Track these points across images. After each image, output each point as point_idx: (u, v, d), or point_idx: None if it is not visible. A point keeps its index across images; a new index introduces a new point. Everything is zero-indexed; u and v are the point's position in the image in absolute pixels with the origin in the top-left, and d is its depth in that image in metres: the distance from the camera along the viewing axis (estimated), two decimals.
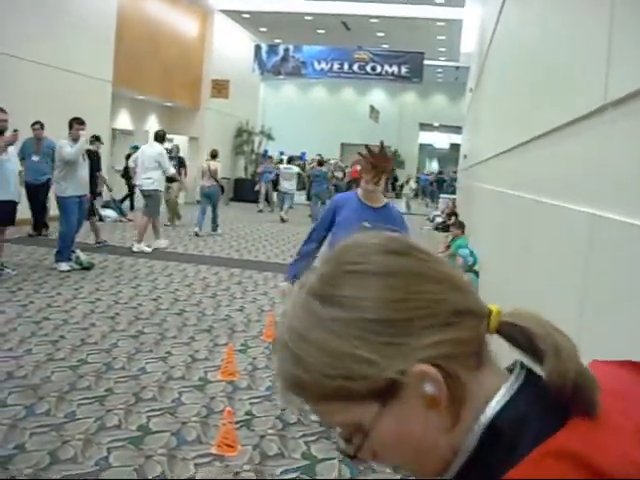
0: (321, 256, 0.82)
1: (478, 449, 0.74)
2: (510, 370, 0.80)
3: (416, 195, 32.89)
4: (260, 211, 21.15)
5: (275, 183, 21.55)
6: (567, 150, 3.05)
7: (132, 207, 17.15)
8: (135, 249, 11.37)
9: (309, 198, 21.71)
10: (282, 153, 28.09)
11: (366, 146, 4.60)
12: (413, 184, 29.61)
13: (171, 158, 14.27)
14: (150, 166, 11.46)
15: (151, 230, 11.75)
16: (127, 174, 15.85)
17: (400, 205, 27.56)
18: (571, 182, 2.93)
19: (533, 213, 3.98)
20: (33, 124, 10.93)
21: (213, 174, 14.55)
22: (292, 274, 4.54)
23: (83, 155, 9.21)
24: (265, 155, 24.00)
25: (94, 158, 11.22)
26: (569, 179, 2.99)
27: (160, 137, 12.14)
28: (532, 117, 4.28)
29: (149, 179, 11.51)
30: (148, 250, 11.47)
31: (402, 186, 30.66)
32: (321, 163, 21.12)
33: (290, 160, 22.93)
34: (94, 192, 11.27)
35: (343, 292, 0.75)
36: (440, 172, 37.86)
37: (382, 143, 4.63)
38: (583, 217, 2.47)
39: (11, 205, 8.35)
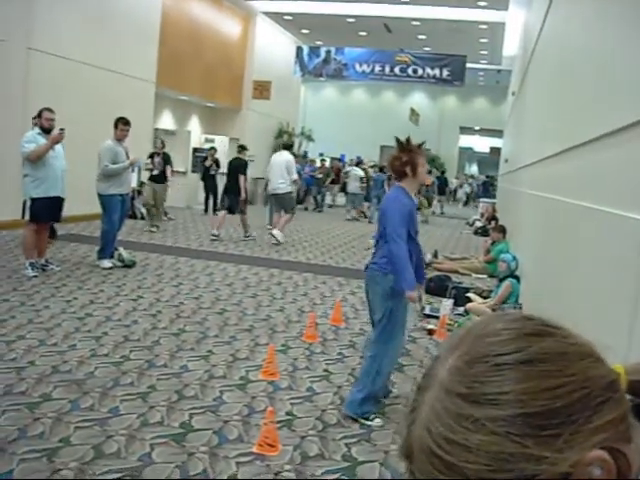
0: (444, 346, 0.77)
1: None
2: None
3: (468, 199, 32.68)
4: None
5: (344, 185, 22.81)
6: (619, 156, 3.01)
7: (214, 209, 17.04)
8: (274, 232, 13.33)
9: (367, 199, 21.92)
10: (322, 154, 28.12)
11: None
12: (467, 188, 29.32)
13: (156, 154, 14.11)
14: (282, 172, 13.37)
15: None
16: (206, 176, 17.46)
17: (455, 209, 27.46)
18: (623, 188, 2.89)
19: (580, 219, 3.93)
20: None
21: None
22: (413, 282, 4.56)
23: (127, 154, 9.33)
24: (305, 157, 24.03)
25: (239, 165, 13.48)
26: (620, 185, 2.95)
27: (288, 147, 14.38)
28: (581, 122, 4.24)
29: (283, 183, 13.42)
30: (282, 240, 13.34)
31: (456, 190, 30.32)
32: (382, 169, 21.88)
33: (358, 163, 23.50)
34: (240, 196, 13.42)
35: (494, 389, 0.69)
36: (488, 176, 37.53)
37: (396, 138, 4.84)
38: (636, 224, 2.43)
39: (58, 201, 8.50)
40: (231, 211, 13.41)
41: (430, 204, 24.23)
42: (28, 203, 8.32)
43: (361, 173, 21.84)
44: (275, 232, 13.35)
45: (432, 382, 0.73)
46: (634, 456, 0.71)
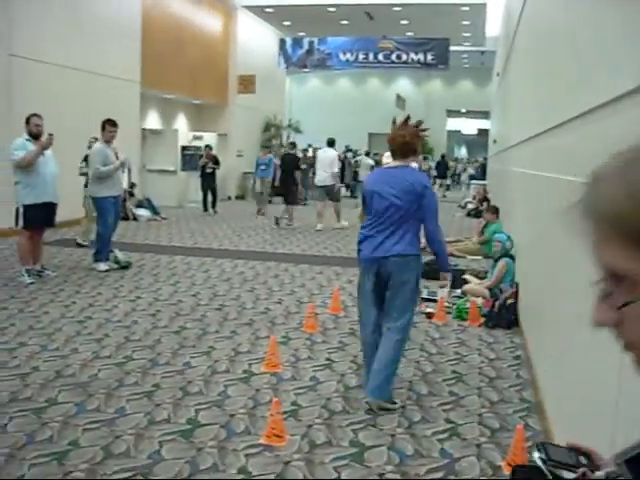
0: None
1: None
2: None
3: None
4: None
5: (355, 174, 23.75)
6: (607, 130, 3.03)
7: (214, 205, 17.72)
8: (337, 226, 15.19)
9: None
10: (310, 145, 28.11)
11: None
12: (471, 170, 29.76)
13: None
14: (327, 166, 15.08)
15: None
16: (202, 174, 17.65)
17: (460, 193, 27.98)
18: None
19: (572, 195, 3.95)
20: None
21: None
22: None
23: (117, 155, 9.32)
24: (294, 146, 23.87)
25: (292, 160, 15.86)
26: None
27: (331, 143, 15.63)
28: (569, 97, 4.26)
29: (329, 177, 15.16)
30: (346, 224, 15.11)
31: (460, 174, 30.74)
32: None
33: (368, 153, 24.17)
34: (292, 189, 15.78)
35: None
36: (486, 158, 37.89)
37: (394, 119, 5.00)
38: None
39: (50, 207, 8.50)
40: (287, 201, 15.42)
41: None
42: (21, 210, 8.31)
43: (372, 162, 22.22)
44: (337, 224, 15.33)
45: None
46: None
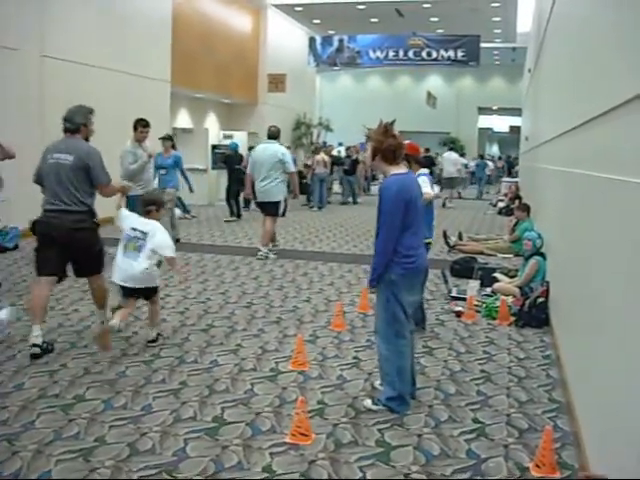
0: None
1: None
2: None
3: None
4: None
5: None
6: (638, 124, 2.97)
7: (247, 205, 16.73)
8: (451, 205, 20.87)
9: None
10: (341, 144, 28.07)
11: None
12: None
13: None
14: (453, 163, 21.64)
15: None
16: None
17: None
18: None
19: (601, 191, 3.89)
20: None
21: (325, 164, 19.78)
22: None
23: (151, 155, 9.36)
24: (324, 146, 23.76)
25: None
26: None
27: (453, 148, 23.70)
28: (599, 92, 4.19)
29: (455, 172, 21.69)
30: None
31: (518, 171, 31.91)
32: (482, 156, 27.64)
33: (452, 148, 24.42)
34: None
35: None
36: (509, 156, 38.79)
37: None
38: None
39: None
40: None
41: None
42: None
43: (456, 156, 23.11)
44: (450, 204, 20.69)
45: None
46: None
